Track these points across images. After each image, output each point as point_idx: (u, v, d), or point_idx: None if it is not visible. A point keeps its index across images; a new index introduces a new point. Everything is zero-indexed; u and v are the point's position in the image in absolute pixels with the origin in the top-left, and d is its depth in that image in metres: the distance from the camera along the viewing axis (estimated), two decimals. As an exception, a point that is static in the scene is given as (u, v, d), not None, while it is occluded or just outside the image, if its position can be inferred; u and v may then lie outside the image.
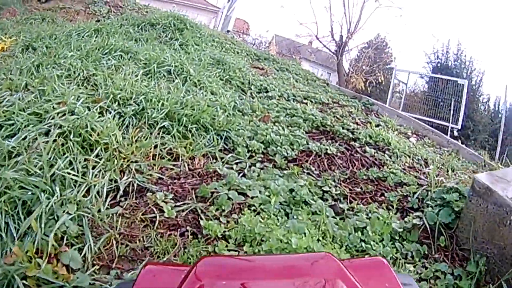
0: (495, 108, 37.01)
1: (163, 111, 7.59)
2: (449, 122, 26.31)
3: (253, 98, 11.54)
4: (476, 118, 32.91)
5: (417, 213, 6.42)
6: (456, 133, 26.01)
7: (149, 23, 15.14)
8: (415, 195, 7.07)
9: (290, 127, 9.35)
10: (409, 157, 9.23)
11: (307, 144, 8.54)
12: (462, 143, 23.60)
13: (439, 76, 30.55)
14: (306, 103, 12.00)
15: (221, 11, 30.46)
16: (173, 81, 9.84)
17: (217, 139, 7.81)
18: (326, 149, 8.48)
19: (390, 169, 8.07)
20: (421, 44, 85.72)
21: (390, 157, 8.88)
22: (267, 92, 12.56)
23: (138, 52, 10.87)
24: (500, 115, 34.30)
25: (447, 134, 23.04)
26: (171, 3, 41.55)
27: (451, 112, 26.75)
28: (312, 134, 9.55)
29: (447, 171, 8.86)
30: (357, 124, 11.05)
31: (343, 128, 9.98)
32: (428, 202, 6.59)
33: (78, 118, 6.29)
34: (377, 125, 11.43)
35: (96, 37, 12.41)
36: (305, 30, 37.43)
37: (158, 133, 7.22)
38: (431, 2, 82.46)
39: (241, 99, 10.67)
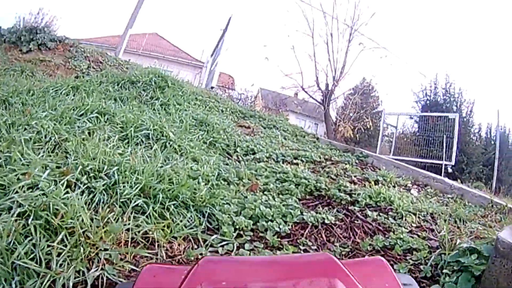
0: (487, 136, 36.80)
1: (137, 186, 6.58)
2: (442, 160, 26.14)
3: (239, 162, 10.67)
4: (469, 150, 32.59)
5: (435, 287, 5.52)
6: (450, 170, 25.93)
7: (129, 81, 14.30)
8: (428, 262, 6.17)
9: (281, 195, 8.39)
10: (415, 215, 8.25)
11: (302, 214, 7.50)
12: (456, 178, 23.03)
13: (429, 114, 30.76)
14: (297, 164, 11.17)
15: (205, 66, 29.53)
16: (151, 147, 8.97)
17: (199, 218, 6.82)
18: (323, 219, 7.54)
19: (396, 234, 7.15)
20: (408, 83, 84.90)
21: (395, 219, 7.93)
22: (254, 153, 11.66)
23: (115, 114, 10.06)
24: (493, 142, 34.25)
25: (441, 173, 23.61)
26: (152, 58, 42.95)
27: (444, 149, 26.40)
28: (306, 201, 8.53)
29: (455, 221, 8.09)
30: (354, 183, 10.20)
31: (339, 190, 9.03)
32: (444, 270, 5.72)
33: (42, 195, 5.40)
34: (376, 182, 10.56)
35: (73, 95, 11.79)
36: (290, 82, 35.35)
37: (132, 213, 6.20)
38: (415, 39, 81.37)
39: (226, 165, 9.79)
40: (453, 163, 26.70)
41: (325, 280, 2.12)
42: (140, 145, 8.98)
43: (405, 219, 7.94)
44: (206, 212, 6.94)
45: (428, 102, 36.09)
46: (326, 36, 34.12)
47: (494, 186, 27.42)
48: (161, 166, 7.54)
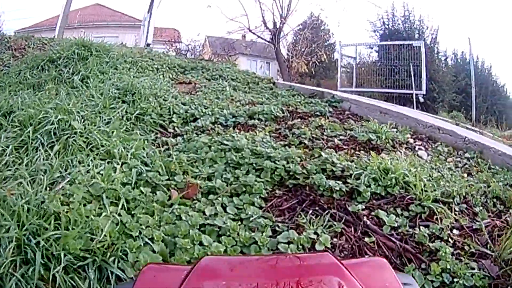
0: (456, 63, 34.23)
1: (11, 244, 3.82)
2: (412, 89, 24.06)
3: (176, 137, 7.93)
4: (438, 78, 29.62)
5: None
6: (421, 99, 24.81)
7: (49, 60, 11.79)
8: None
9: (235, 198, 5.16)
10: (447, 205, 5.26)
11: (274, 237, 4.47)
12: (427, 107, 23.16)
13: (391, 43, 27.68)
14: (254, 127, 8.40)
15: (142, 23, 26.10)
16: (52, 150, 6.22)
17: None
18: (313, 242, 4.39)
19: (440, 261, 4.25)
20: (362, 14, 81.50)
21: (423, 219, 5.01)
22: (195, 120, 8.80)
23: (21, 110, 7.42)
24: (463, 69, 32.01)
25: (412, 103, 23.92)
26: (96, 28, 40.97)
27: (412, 78, 24.18)
28: (276, 200, 5.29)
29: (494, 205, 5.70)
30: (341, 149, 7.11)
31: (325, 172, 5.78)
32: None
33: None
34: (368, 142, 7.62)
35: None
36: (236, 25, 34.84)
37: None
38: None
39: (153, 153, 6.57)
40: (424, 92, 24.66)
41: (325, 280, 1.89)
42: (40, 149, 6.25)
43: (438, 219, 4.96)
44: (109, 271, 4.00)
45: (387, 31, 33.00)
46: None
47: (474, 116, 25.29)
48: (50, 190, 4.92)
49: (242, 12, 33.49)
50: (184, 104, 9.57)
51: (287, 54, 39.10)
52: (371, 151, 6.94)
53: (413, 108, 22.43)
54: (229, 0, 36.07)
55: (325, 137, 7.69)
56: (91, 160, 5.94)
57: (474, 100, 25.90)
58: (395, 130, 8.51)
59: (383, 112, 9.71)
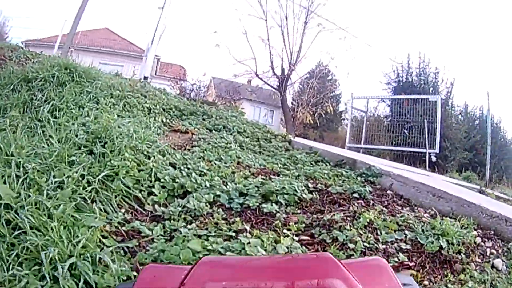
0: (468, 118, 31.32)
1: None
2: (422, 147, 22.35)
3: (156, 221, 5.23)
4: (451, 135, 27.03)
5: None
6: (434, 158, 22.09)
7: (24, 79, 9.22)
8: None
9: None
10: None
11: None
12: (438, 167, 21.03)
13: (404, 96, 25.24)
14: (273, 218, 5.46)
15: (145, 54, 23.41)
16: None
17: None
18: None
19: None
20: (374, 66, 79.24)
21: None
22: (185, 194, 5.93)
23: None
24: (477, 126, 29.86)
25: (423, 162, 21.82)
26: (103, 54, 40.88)
27: (426, 135, 21.75)
28: None
29: None
30: (406, 267, 4.76)
31: None
32: None
33: None
34: (443, 259, 4.97)
35: None
36: (243, 68, 30.96)
37: None
38: (379, 21, 75.31)
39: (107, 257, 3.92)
40: (437, 150, 22.05)
41: (325, 280, 1.79)
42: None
43: None
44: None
45: (401, 83, 30.09)
46: (280, 19, 28.60)
47: (488, 175, 22.53)
48: None
49: (251, 55, 30.14)
50: (173, 166, 6.80)
51: (292, 103, 35.98)
52: (444, 266, 4.89)
53: (425, 168, 20.21)
54: (239, 41, 33.60)
55: (380, 245, 4.99)
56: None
57: (489, 159, 23.28)
58: (456, 222, 5.85)
59: (437, 195, 6.86)
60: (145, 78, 17.57)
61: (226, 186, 6.11)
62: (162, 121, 10.21)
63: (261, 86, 34.36)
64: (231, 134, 10.44)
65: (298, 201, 6.07)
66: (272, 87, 31.14)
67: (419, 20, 77.82)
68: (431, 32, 79.67)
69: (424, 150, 21.84)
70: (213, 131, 10.50)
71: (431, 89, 27.74)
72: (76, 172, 5.23)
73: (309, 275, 1.90)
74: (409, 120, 23.66)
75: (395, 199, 7.00)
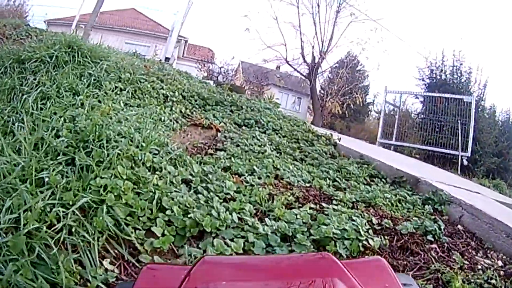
0: (500, 123, 28.10)
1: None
2: (454, 149, 20.62)
3: None
4: (481, 138, 24.30)
5: None
6: (465, 162, 20.14)
7: (17, 60, 7.29)
8: None
9: None
10: None
11: None
12: (469, 171, 20.71)
13: (439, 94, 22.95)
14: None
15: (169, 35, 21.45)
16: None
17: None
18: None
19: None
20: (405, 60, 76.44)
21: None
22: (202, 235, 3.76)
23: None
24: (505, 131, 26.93)
25: (454, 164, 19.98)
26: (129, 34, 39.90)
27: (459, 137, 20.44)
28: None
29: None
30: None
31: None
32: None
33: None
34: None
35: None
36: (273, 54, 32.03)
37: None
38: (414, 14, 72.52)
39: None
40: (469, 154, 20.14)
41: (325, 280, 1.76)
42: None
43: None
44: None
45: (435, 81, 27.13)
46: (312, 7, 29.84)
47: None
48: None
49: (281, 41, 30.94)
50: (188, 183, 4.63)
51: (321, 92, 36.71)
52: None
53: (457, 171, 18.54)
54: (269, 27, 32.38)
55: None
56: None
57: None
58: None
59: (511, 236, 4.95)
60: (167, 59, 15.36)
61: (261, 223, 4.04)
62: (181, 111, 8.12)
63: (291, 72, 35.22)
64: (264, 132, 8.35)
65: (363, 250, 4.07)
66: (302, 74, 32.05)
67: (453, 17, 74.51)
68: (465, 30, 76.61)
69: (456, 153, 20.06)
70: (243, 127, 8.37)
71: (464, 89, 25.22)
72: (43, 200, 3.23)
73: (309, 274, 1.85)
74: (442, 119, 21.74)
75: (468, 239, 5.15)
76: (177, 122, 7.37)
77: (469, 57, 26.27)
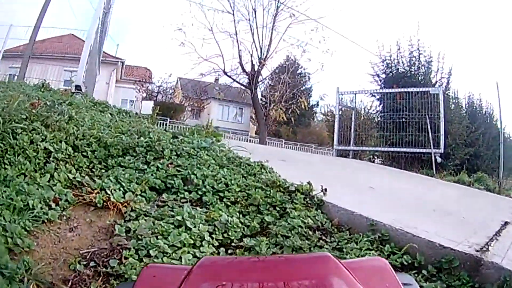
0: (468, 111, 25.52)
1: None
2: (426, 147, 17.54)
3: None
4: (452, 131, 21.21)
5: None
6: (439, 159, 17.39)
7: None
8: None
9: None
10: None
11: None
12: (444, 168, 18.45)
13: (399, 90, 19.65)
14: None
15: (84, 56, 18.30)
16: None
17: None
18: None
19: None
20: (360, 58, 73.96)
21: None
22: None
23: None
24: (478, 118, 24.59)
25: (424, 163, 17.99)
26: (68, 61, 35.26)
27: (430, 133, 17.37)
28: None
29: None
30: None
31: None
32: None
33: None
34: None
35: None
36: (210, 66, 29.01)
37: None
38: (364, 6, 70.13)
39: None
40: (442, 150, 17.39)
41: (325, 280, 1.69)
42: None
43: None
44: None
45: (391, 74, 23.39)
46: (248, 12, 27.95)
47: (501, 175, 18.52)
48: None
49: (218, 52, 28.24)
50: None
51: (262, 100, 34.94)
52: None
53: (433, 171, 16.52)
54: (204, 38, 29.87)
55: None
56: None
57: (502, 157, 19.23)
58: None
59: None
60: (77, 88, 11.78)
61: None
62: (68, 178, 4.87)
63: (230, 84, 32.73)
64: (200, 200, 5.09)
65: None
66: (241, 84, 30.18)
67: (406, 5, 71.91)
68: (421, 17, 74.56)
69: (428, 150, 17.31)
70: (164, 195, 5.07)
71: (426, 80, 22.15)
72: None
73: (309, 274, 1.76)
74: (406, 116, 18.84)
75: None
76: (57, 203, 4.22)
77: (430, 45, 23.40)
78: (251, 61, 27.52)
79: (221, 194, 5.25)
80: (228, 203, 5.14)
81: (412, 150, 18.02)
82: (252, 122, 46.29)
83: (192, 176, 5.37)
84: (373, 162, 20.88)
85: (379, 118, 21.82)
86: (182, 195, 5.09)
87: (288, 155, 12.67)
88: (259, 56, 27.35)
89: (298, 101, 31.45)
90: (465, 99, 25.75)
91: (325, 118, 40.70)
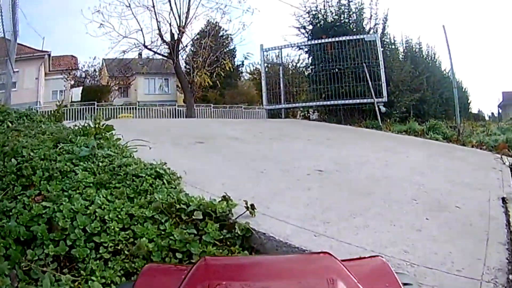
0: (410, 56, 24.63)
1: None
2: (366, 97, 16.66)
3: None
4: (394, 77, 19.34)
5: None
6: (383, 109, 16.63)
7: None
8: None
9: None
10: None
11: None
12: (389, 117, 17.43)
13: (331, 40, 18.23)
14: None
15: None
16: None
17: None
18: None
19: None
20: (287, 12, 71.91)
21: None
22: None
23: None
24: (421, 63, 24.52)
25: (367, 115, 17.09)
26: None
27: (370, 82, 16.42)
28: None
29: None
30: None
31: None
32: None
33: None
34: None
35: None
36: (132, 42, 28.45)
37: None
38: None
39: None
40: (385, 99, 16.77)
41: (325, 280, 1.60)
42: None
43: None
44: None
45: (320, 25, 20.97)
46: None
47: (458, 122, 16.51)
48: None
49: (137, 27, 27.97)
50: None
51: (187, 67, 34.24)
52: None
53: (378, 121, 15.74)
54: (122, 15, 28.47)
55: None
56: None
57: (457, 103, 17.21)
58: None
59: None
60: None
61: None
62: None
63: (152, 56, 31.91)
64: (68, 258, 3.39)
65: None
66: (163, 56, 29.44)
67: None
68: None
69: (370, 100, 16.36)
70: (28, 252, 3.36)
71: (358, 28, 19.95)
72: None
73: (309, 275, 1.70)
74: (341, 66, 17.51)
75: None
76: None
77: None
78: (170, 30, 26.85)
79: (96, 240, 3.41)
80: (106, 256, 3.38)
81: (351, 101, 16.88)
82: (178, 91, 45.37)
83: (58, 214, 3.46)
84: (309, 118, 19.91)
85: (309, 71, 20.34)
86: (47, 250, 3.23)
87: (210, 131, 10.74)
88: (178, 25, 26.57)
89: (222, 63, 30.53)
90: (403, 44, 24.93)
91: (252, 77, 41.09)
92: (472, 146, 11.81)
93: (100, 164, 4.87)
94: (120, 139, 6.44)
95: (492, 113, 55.30)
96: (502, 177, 7.14)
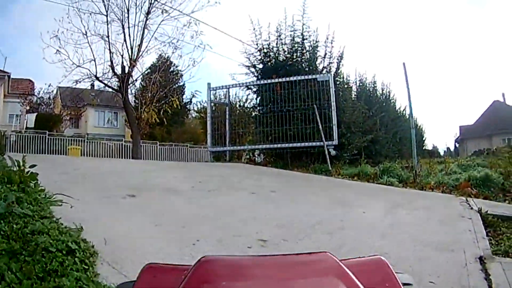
0: (363, 96, 23.83)
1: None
2: (316, 141, 16.07)
3: None
4: (345, 118, 18.91)
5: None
6: (333, 152, 16.08)
7: None
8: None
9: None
10: None
11: None
12: (339, 160, 16.90)
13: (280, 80, 17.78)
14: None
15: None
16: None
17: None
18: None
19: None
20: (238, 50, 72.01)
21: None
22: None
23: None
24: (374, 103, 23.98)
25: (316, 158, 16.49)
26: None
27: (320, 125, 15.79)
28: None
29: None
30: None
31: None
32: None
33: None
34: None
35: None
36: (84, 72, 26.94)
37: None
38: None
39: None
40: (336, 141, 16.10)
41: (325, 280, 1.62)
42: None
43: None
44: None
45: (270, 64, 20.42)
46: (122, 12, 26.26)
47: (416, 162, 16.07)
48: None
49: (90, 57, 26.51)
50: None
51: (135, 102, 33.32)
52: None
53: (328, 165, 15.18)
54: (78, 43, 27.72)
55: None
56: None
57: (414, 145, 16.88)
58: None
59: None
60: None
61: None
62: None
63: (103, 88, 32.12)
64: None
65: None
66: (112, 88, 28.63)
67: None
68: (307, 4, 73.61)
69: (319, 144, 15.72)
70: None
71: (311, 67, 19.39)
72: None
73: (309, 274, 1.67)
74: (290, 107, 16.94)
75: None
76: None
77: (317, 28, 20.30)
78: (122, 62, 26.08)
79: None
80: None
81: (299, 144, 16.26)
82: (126, 126, 44.02)
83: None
84: (254, 161, 19.27)
85: (256, 112, 19.76)
86: None
87: (146, 180, 10.03)
88: (130, 57, 25.82)
89: (170, 100, 30.59)
90: (356, 83, 24.42)
91: (199, 115, 40.47)
92: (431, 189, 11.33)
93: (15, 226, 4.61)
94: (43, 190, 6.14)
95: (448, 148, 56.92)
96: (473, 228, 6.88)
